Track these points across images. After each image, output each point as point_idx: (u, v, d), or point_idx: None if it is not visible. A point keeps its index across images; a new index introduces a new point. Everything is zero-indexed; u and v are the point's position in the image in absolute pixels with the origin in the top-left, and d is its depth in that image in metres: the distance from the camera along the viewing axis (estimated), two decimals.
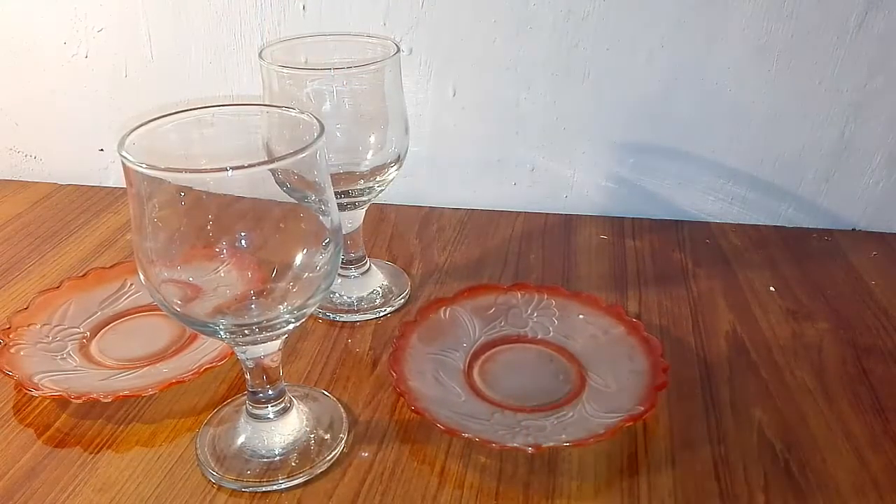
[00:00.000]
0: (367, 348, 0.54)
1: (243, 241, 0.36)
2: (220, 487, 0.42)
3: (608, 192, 0.73)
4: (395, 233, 0.70)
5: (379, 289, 0.60)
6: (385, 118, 0.53)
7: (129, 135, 0.35)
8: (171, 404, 0.48)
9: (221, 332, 0.38)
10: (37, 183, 0.81)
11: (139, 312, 0.56)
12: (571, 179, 0.73)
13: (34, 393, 0.46)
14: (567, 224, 0.72)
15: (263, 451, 0.43)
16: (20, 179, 0.82)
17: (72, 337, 0.53)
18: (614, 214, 0.73)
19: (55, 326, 0.53)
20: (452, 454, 0.44)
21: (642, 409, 0.43)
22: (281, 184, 0.36)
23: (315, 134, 0.36)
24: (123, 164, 0.34)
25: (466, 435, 0.41)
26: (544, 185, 0.73)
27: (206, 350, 0.51)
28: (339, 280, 0.58)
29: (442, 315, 0.53)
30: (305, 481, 0.42)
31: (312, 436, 0.45)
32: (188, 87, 0.74)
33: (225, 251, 0.36)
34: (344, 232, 0.54)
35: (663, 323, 0.56)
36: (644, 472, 0.43)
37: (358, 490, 0.41)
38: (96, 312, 0.56)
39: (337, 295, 0.58)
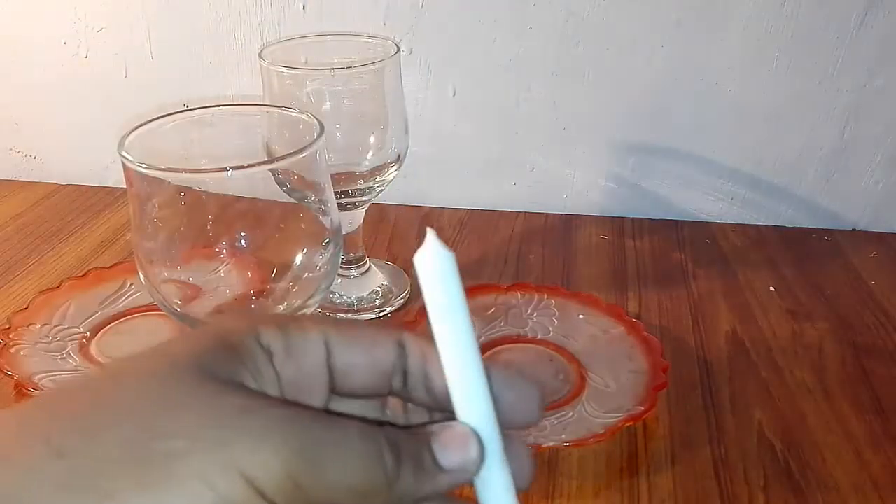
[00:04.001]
0: None
1: (243, 241, 0.36)
2: None
3: (608, 192, 0.73)
4: (395, 233, 0.70)
5: (379, 289, 0.60)
6: (385, 118, 0.53)
7: (129, 135, 0.35)
8: None
9: None
10: (37, 183, 0.81)
11: (139, 312, 0.56)
12: (571, 179, 0.73)
13: (34, 393, 0.46)
14: (567, 224, 0.72)
15: None
16: (20, 179, 0.82)
17: (72, 337, 0.53)
18: (614, 214, 0.73)
19: (55, 326, 0.53)
20: None
21: (642, 409, 0.43)
22: (281, 184, 0.36)
23: (315, 134, 0.36)
24: (123, 164, 0.34)
25: None
26: (544, 185, 0.73)
27: None
28: (339, 280, 0.58)
29: None
30: None
31: None
32: (188, 87, 0.74)
33: (225, 251, 0.36)
34: (344, 232, 0.54)
35: (663, 323, 0.56)
36: (644, 472, 0.43)
37: None
38: (96, 312, 0.55)
39: (337, 295, 0.58)
